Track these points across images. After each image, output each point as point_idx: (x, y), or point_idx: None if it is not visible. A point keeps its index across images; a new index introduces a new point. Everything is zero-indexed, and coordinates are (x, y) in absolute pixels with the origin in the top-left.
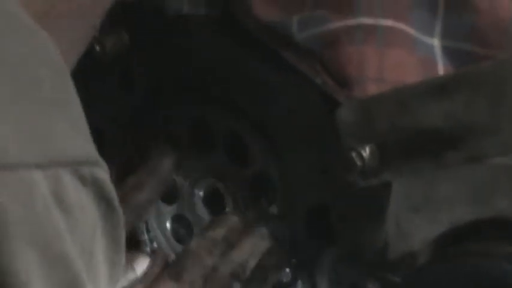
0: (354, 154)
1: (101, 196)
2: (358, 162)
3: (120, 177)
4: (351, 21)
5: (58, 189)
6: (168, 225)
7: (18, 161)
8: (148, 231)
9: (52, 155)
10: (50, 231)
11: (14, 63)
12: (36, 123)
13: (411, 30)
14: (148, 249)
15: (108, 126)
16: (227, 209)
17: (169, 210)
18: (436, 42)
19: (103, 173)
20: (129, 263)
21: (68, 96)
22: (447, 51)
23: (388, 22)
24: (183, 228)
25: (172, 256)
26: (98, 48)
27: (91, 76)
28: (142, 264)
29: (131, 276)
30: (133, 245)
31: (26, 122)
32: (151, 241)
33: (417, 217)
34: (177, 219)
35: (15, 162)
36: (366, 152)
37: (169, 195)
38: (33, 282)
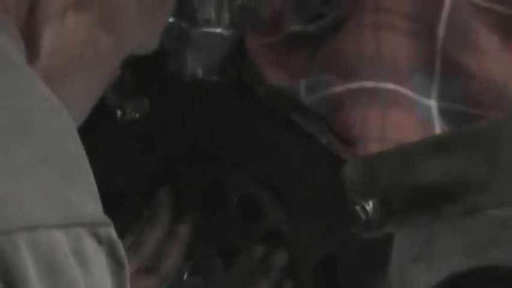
0: (358, 208)
1: (112, 253)
2: (363, 216)
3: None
4: (354, 85)
5: (78, 247)
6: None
7: (42, 222)
8: None
9: (73, 216)
10: (72, 282)
11: (43, 132)
12: (59, 187)
13: (410, 93)
14: None
15: (127, 190)
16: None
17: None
18: (433, 104)
19: (115, 233)
20: None
21: (84, 163)
22: (444, 112)
23: (389, 85)
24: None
25: None
26: (119, 113)
27: (111, 140)
28: None
29: None
30: None
31: (50, 186)
32: None
33: (418, 266)
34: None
35: (39, 223)
36: (370, 206)
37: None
38: None
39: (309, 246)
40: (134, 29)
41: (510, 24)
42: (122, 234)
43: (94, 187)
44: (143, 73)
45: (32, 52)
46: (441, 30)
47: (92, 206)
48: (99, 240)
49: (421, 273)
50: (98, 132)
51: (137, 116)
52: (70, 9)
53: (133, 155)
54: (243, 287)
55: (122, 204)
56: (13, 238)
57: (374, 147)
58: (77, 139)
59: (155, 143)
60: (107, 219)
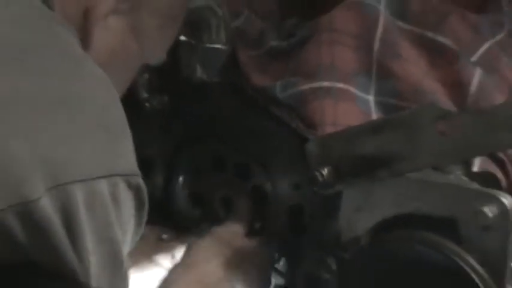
0: (317, 173)
1: (138, 197)
2: (320, 179)
3: None
4: (315, 84)
5: (115, 192)
6: None
7: (93, 174)
8: None
9: (115, 169)
10: (106, 222)
11: (98, 104)
12: (108, 147)
13: (354, 90)
14: None
15: (154, 159)
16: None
17: None
18: (371, 98)
19: (142, 181)
20: (171, 252)
21: (126, 128)
22: (379, 104)
23: (339, 85)
24: None
25: None
26: (147, 105)
27: (142, 124)
28: (181, 252)
29: (173, 262)
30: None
31: (101, 146)
32: None
33: (360, 214)
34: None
35: (91, 176)
36: (325, 171)
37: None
38: (92, 255)
39: (283, 199)
40: (152, 39)
41: (424, 40)
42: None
43: (132, 146)
44: (164, 77)
45: (84, 45)
46: (376, 45)
47: (129, 161)
48: (130, 186)
49: (361, 219)
50: (132, 118)
51: (160, 107)
52: (111, 13)
53: (158, 134)
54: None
55: (150, 169)
56: (70, 189)
57: (329, 130)
58: (122, 110)
59: (173, 126)
60: (138, 171)
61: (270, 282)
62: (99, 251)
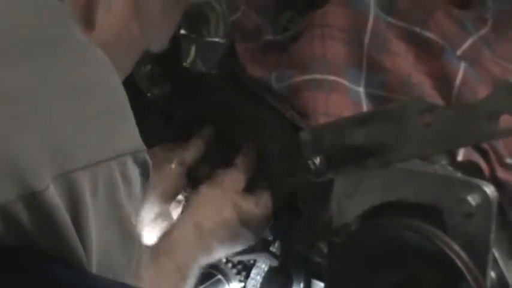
0: (309, 162)
1: (143, 171)
2: (312, 167)
3: None
4: (308, 77)
5: (124, 170)
6: None
7: (102, 158)
8: None
9: (123, 148)
10: (116, 203)
11: (104, 90)
12: (116, 129)
13: (345, 82)
14: None
15: (155, 145)
16: None
17: None
18: (361, 90)
19: (147, 155)
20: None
21: (129, 110)
22: (369, 96)
23: (332, 77)
24: None
25: None
26: (148, 94)
27: (144, 112)
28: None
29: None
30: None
31: (110, 129)
32: None
33: (350, 201)
34: None
35: (100, 160)
36: (317, 160)
37: None
38: (102, 238)
39: (280, 184)
40: (154, 24)
41: (411, 35)
42: None
43: (134, 123)
44: (166, 67)
45: (88, 26)
46: (367, 39)
47: (135, 139)
48: (136, 161)
49: (351, 206)
50: (134, 107)
51: (161, 96)
52: None
53: (159, 122)
54: None
55: None
56: (76, 176)
57: (321, 120)
58: (124, 91)
59: (174, 114)
60: (143, 146)
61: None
62: (110, 232)
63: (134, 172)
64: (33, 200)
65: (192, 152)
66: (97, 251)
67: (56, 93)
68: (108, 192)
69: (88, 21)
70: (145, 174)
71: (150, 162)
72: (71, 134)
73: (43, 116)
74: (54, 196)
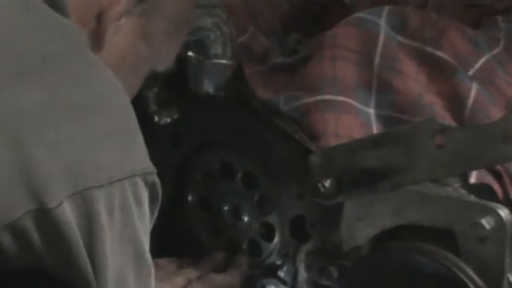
0: (319, 184)
1: (153, 192)
2: (322, 190)
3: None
4: (317, 98)
5: (135, 190)
6: None
7: (117, 177)
8: None
9: (134, 169)
10: (129, 223)
11: (113, 109)
12: (126, 149)
13: (355, 103)
14: None
15: (164, 169)
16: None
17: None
18: (371, 111)
19: (156, 177)
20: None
21: (139, 130)
22: (379, 117)
23: (341, 98)
24: None
25: None
26: (156, 117)
27: (152, 136)
28: None
29: None
30: None
31: (120, 149)
32: None
33: (360, 224)
34: None
35: (114, 179)
36: (327, 183)
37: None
38: (114, 258)
39: (287, 208)
40: (160, 45)
41: (423, 55)
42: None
43: (144, 145)
44: (173, 91)
45: (96, 47)
46: (377, 60)
47: (145, 161)
48: (146, 183)
49: (362, 229)
50: (142, 131)
51: (169, 120)
52: (123, 16)
53: (167, 146)
54: None
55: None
56: (90, 194)
57: (331, 141)
58: (133, 111)
59: (182, 138)
60: (153, 168)
61: None
62: (122, 252)
63: (144, 194)
64: (44, 217)
65: (200, 272)
66: (112, 275)
67: (68, 110)
68: (123, 212)
69: (97, 41)
70: (154, 198)
71: (159, 184)
72: (83, 151)
73: (55, 133)
74: (67, 214)
